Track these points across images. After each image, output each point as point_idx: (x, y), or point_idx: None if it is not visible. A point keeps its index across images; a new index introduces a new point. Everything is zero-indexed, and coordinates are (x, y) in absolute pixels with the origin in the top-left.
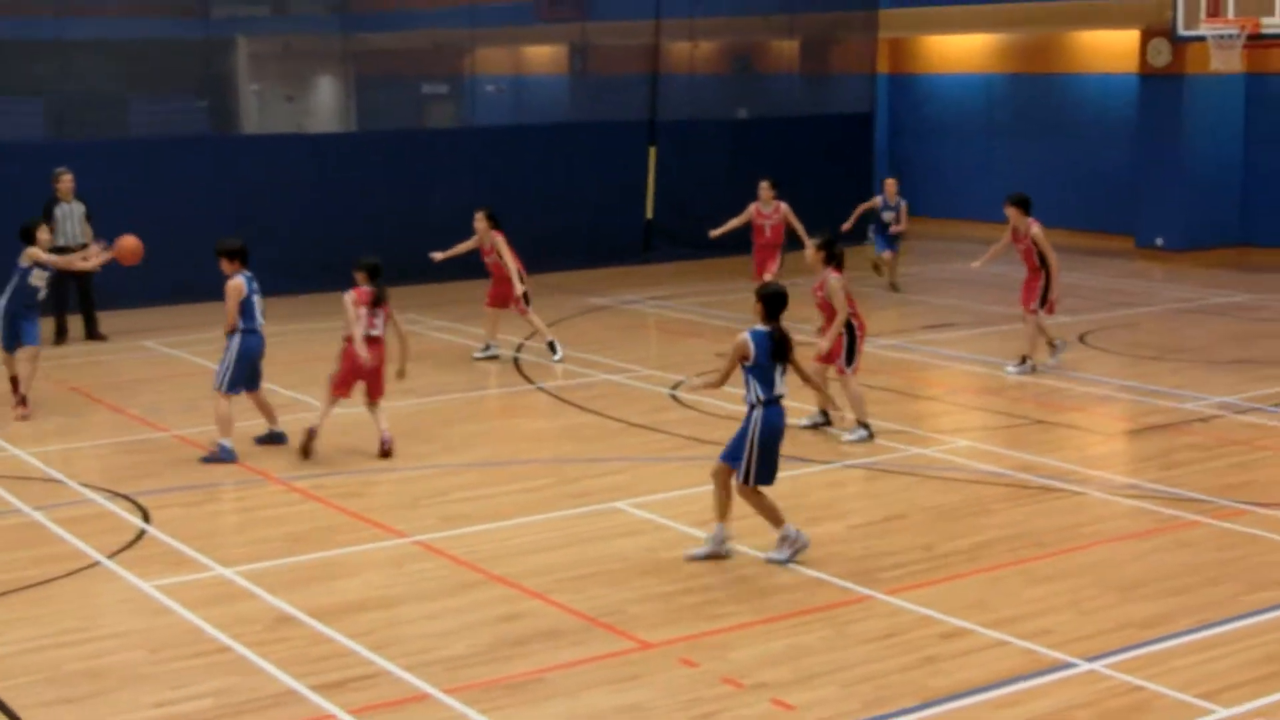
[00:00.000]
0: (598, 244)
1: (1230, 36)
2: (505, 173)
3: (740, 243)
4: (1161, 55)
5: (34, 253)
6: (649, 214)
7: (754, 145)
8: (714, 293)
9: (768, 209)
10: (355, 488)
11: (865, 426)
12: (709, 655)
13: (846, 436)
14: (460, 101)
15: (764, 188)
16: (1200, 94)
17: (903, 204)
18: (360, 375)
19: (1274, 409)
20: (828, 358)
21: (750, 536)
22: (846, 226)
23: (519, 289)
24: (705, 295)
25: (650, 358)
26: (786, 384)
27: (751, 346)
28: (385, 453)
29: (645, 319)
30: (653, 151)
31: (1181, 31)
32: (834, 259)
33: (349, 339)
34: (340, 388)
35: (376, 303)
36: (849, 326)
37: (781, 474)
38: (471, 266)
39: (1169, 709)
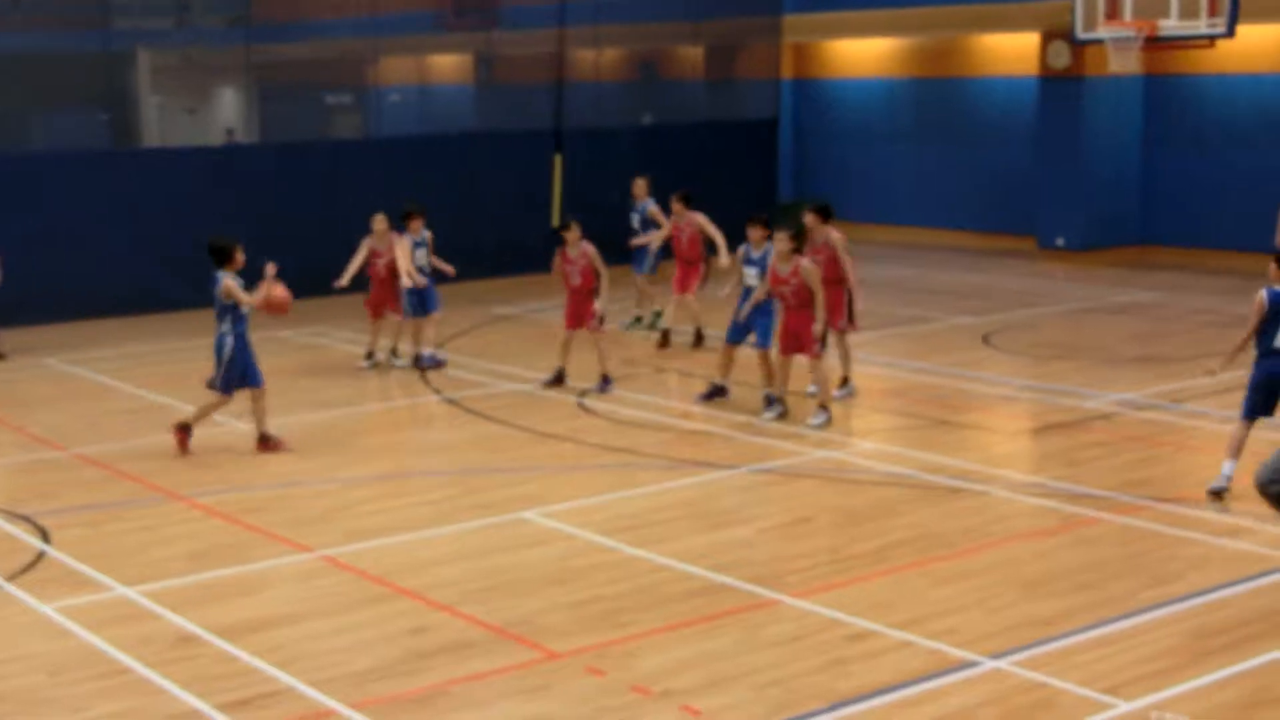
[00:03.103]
0: (504, 253)
1: (1128, 39)
2: (410, 183)
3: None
4: (1061, 57)
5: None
6: (555, 222)
7: (660, 152)
8: (624, 299)
9: (681, 220)
10: (260, 503)
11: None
12: (617, 664)
13: (813, 421)
14: (365, 112)
15: (674, 199)
16: (1099, 95)
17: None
18: None
19: (1174, 405)
20: (803, 346)
21: (657, 544)
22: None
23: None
24: (613, 302)
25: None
26: None
27: (1266, 302)
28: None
29: (552, 327)
30: (558, 159)
31: (1080, 34)
32: (800, 250)
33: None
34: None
35: None
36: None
37: (688, 479)
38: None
39: (1072, 705)
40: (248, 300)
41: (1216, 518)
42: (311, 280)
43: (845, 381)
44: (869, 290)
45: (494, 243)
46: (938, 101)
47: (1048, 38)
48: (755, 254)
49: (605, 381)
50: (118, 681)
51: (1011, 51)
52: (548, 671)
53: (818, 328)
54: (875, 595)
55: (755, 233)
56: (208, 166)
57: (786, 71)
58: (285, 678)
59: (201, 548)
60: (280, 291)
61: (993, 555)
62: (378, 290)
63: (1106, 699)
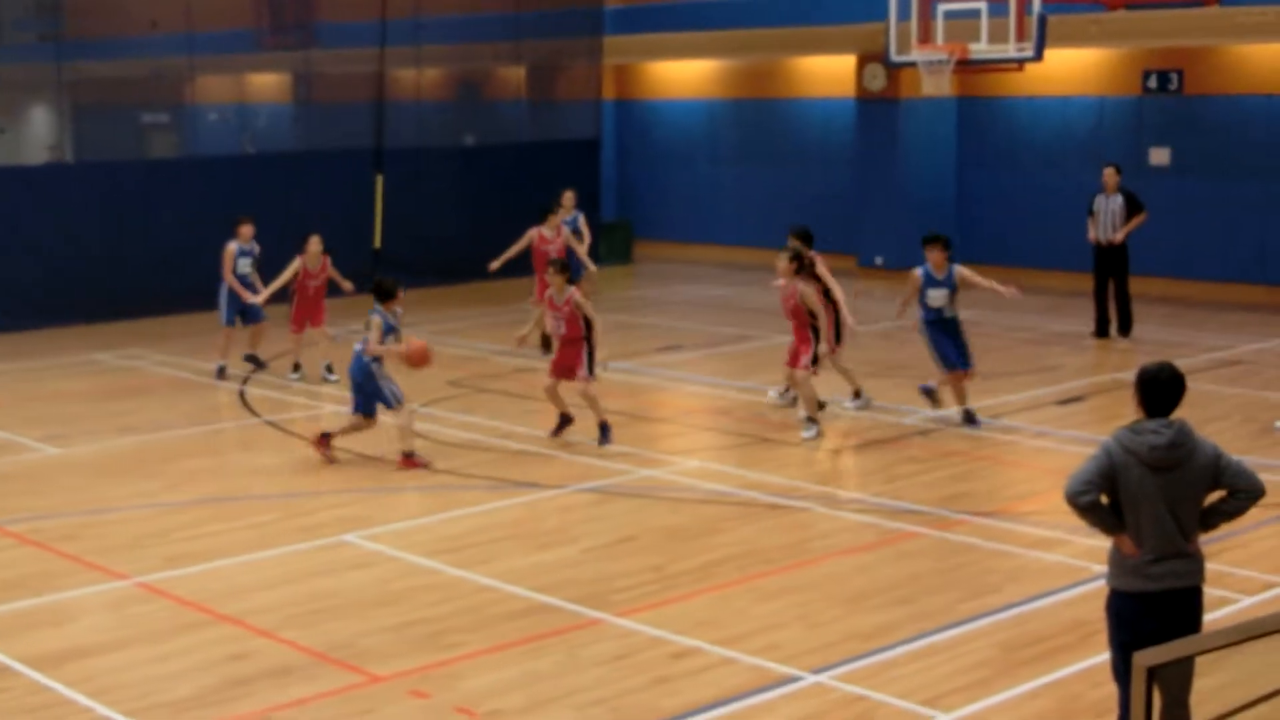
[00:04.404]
0: None
1: (940, 62)
2: (230, 203)
3: (477, 271)
4: (876, 80)
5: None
6: (377, 243)
7: (482, 172)
8: (446, 320)
9: (550, 233)
10: (73, 530)
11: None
12: (441, 686)
13: (804, 434)
14: (182, 131)
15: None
16: (914, 117)
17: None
18: None
19: (990, 421)
20: (794, 361)
21: (481, 565)
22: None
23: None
24: (437, 323)
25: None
26: None
27: None
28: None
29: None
30: (380, 180)
31: (894, 57)
32: (804, 269)
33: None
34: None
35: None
36: (814, 329)
37: (511, 500)
38: (189, 301)
39: (892, 717)
40: (380, 350)
41: (1032, 531)
42: (130, 300)
43: (859, 393)
44: (691, 309)
45: None
46: (757, 122)
47: (863, 60)
48: (939, 275)
49: (604, 431)
50: None
51: (829, 74)
52: (370, 695)
53: (823, 348)
54: (699, 613)
55: (936, 254)
56: (19, 186)
57: (608, 92)
58: (101, 708)
59: (12, 576)
60: (417, 342)
61: (815, 571)
62: (304, 307)
63: (925, 711)
